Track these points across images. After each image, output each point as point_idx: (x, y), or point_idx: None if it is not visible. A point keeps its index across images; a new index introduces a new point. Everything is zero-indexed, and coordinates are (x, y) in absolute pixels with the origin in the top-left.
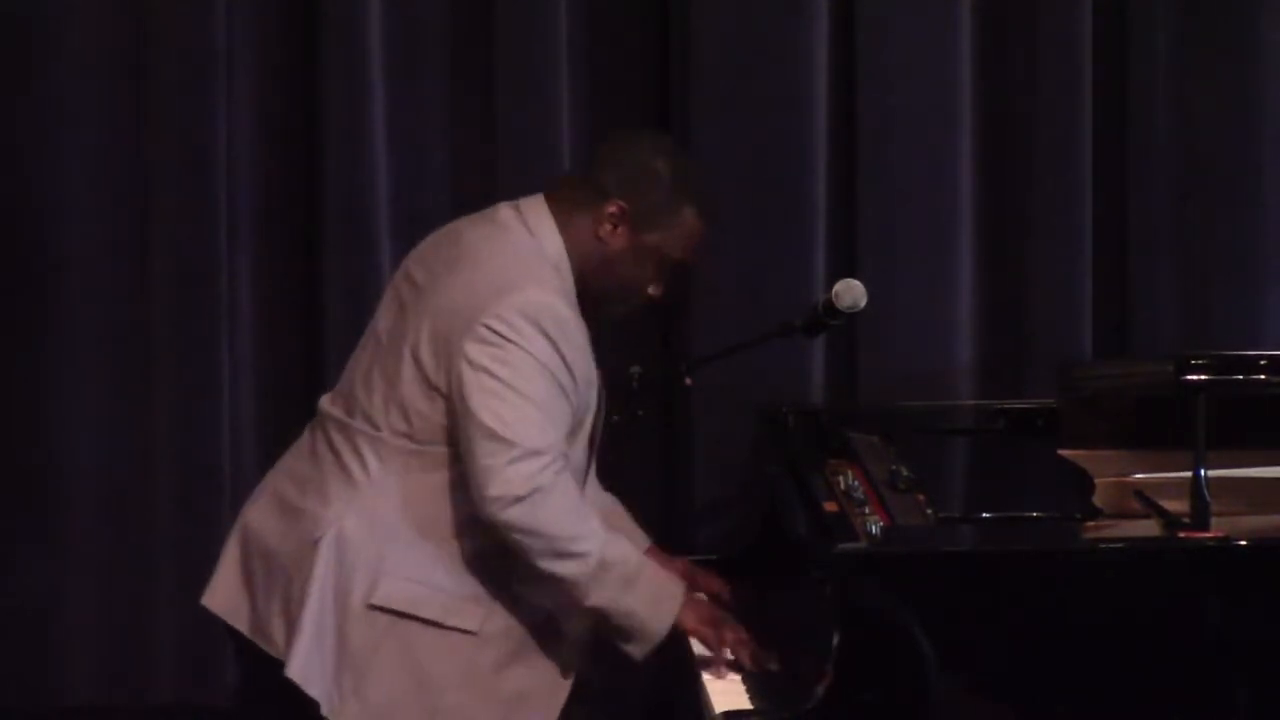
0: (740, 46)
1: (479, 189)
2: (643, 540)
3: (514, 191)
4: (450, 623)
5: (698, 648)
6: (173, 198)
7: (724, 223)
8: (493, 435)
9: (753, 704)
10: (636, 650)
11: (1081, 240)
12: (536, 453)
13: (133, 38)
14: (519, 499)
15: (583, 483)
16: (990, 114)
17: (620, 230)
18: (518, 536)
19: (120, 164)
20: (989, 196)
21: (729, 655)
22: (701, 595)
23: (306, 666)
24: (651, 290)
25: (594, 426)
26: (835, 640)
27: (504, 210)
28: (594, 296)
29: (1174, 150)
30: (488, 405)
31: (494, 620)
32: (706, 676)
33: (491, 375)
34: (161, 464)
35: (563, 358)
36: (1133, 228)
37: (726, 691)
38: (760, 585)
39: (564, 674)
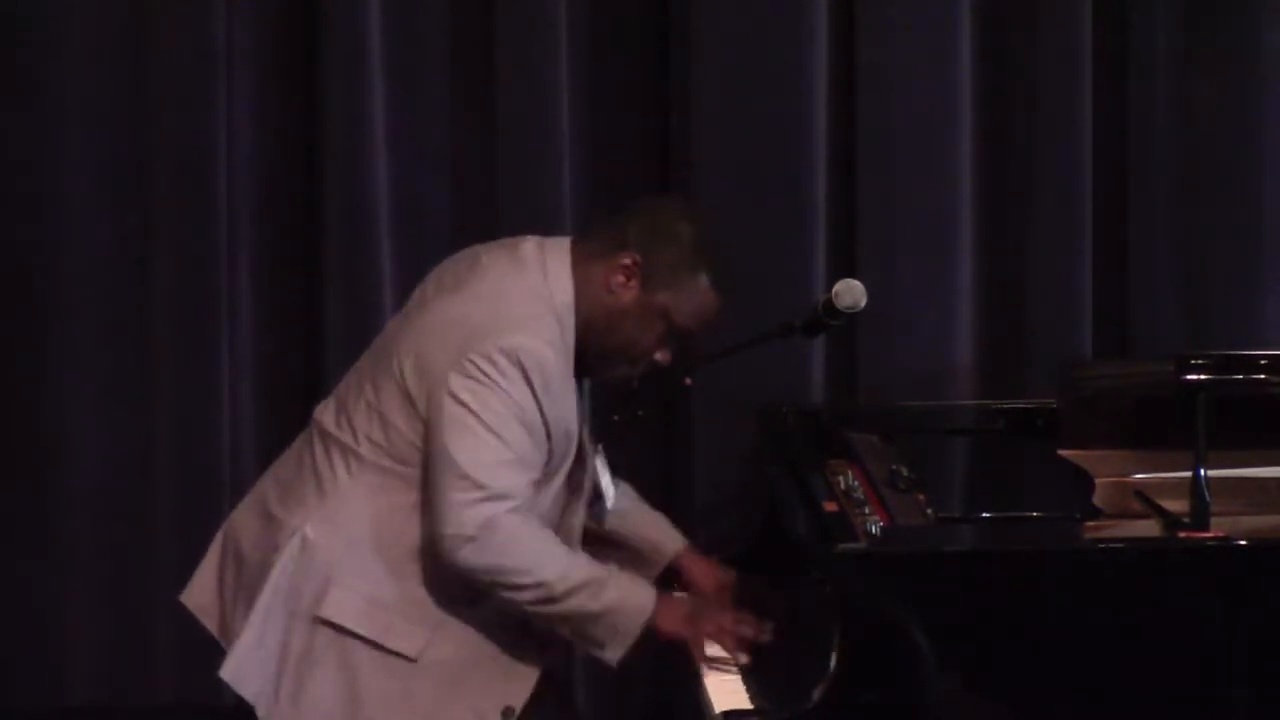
0: (740, 47)
1: (479, 189)
2: (677, 539)
3: (513, 191)
4: (390, 645)
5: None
6: (173, 197)
7: (725, 223)
8: (463, 474)
9: (753, 704)
10: (610, 654)
11: (1081, 240)
12: (502, 496)
13: (133, 38)
14: (469, 539)
15: (555, 524)
16: (990, 114)
17: (631, 284)
18: (471, 575)
19: (120, 164)
20: (989, 196)
21: (716, 648)
22: (681, 595)
23: (242, 667)
24: (658, 356)
25: (577, 478)
26: (835, 640)
27: (528, 245)
28: (594, 351)
29: (1174, 150)
30: (463, 443)
31: (436, 648)
32: (707, 677)
33: (470, 411)
34: (161, 464)
35: (540, 407)
36: (1133, 228)
37: (726, 691)
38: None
39: (505, 708)
